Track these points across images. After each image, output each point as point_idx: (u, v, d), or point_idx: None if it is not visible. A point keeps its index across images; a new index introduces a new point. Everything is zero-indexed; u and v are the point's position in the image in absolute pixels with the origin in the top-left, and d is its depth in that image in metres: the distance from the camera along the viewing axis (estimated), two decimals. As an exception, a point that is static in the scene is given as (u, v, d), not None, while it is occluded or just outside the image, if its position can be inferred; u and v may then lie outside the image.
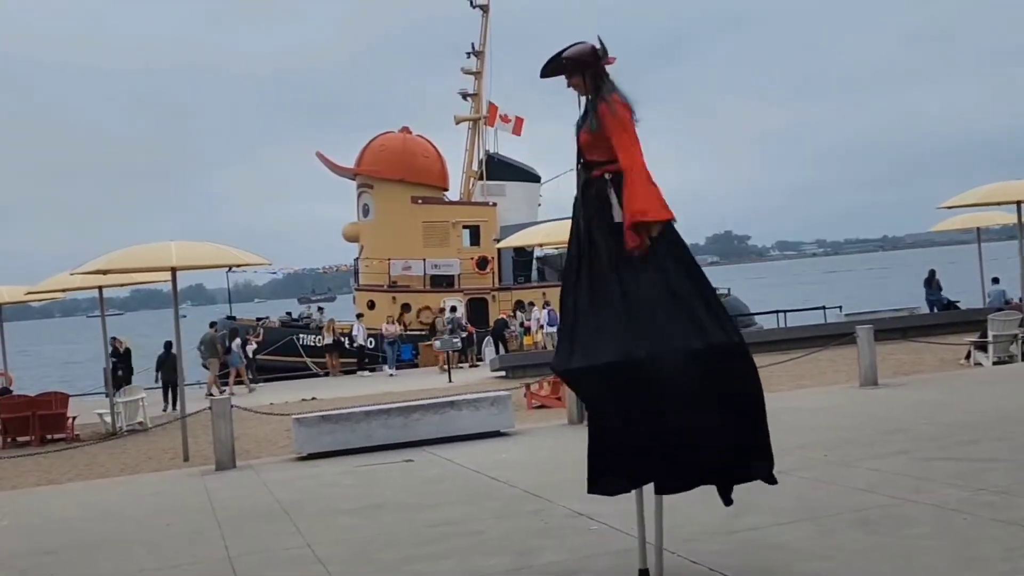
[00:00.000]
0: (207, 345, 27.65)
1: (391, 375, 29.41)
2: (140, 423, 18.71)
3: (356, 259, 39.26)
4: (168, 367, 23.08)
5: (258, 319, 37.08)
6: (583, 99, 5.52)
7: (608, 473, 5.43)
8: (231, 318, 37.00)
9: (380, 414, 11.71)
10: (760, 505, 6.50)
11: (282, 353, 33.94)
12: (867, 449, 8.94)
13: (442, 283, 37.49)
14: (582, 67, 5.39)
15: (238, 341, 28.96)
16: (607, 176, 5.34)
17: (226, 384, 27.47)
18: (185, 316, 20.77)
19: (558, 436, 11.87)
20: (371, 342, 33.10)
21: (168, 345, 23.22)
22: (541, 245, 19.60)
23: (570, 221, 5.65)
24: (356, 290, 38.77)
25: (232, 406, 11.44)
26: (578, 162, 5.57)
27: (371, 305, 36.99)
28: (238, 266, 15.97)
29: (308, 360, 34.22)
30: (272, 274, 40.32)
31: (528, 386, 18.30)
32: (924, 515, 6.39)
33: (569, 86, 5.50)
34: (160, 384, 24.19)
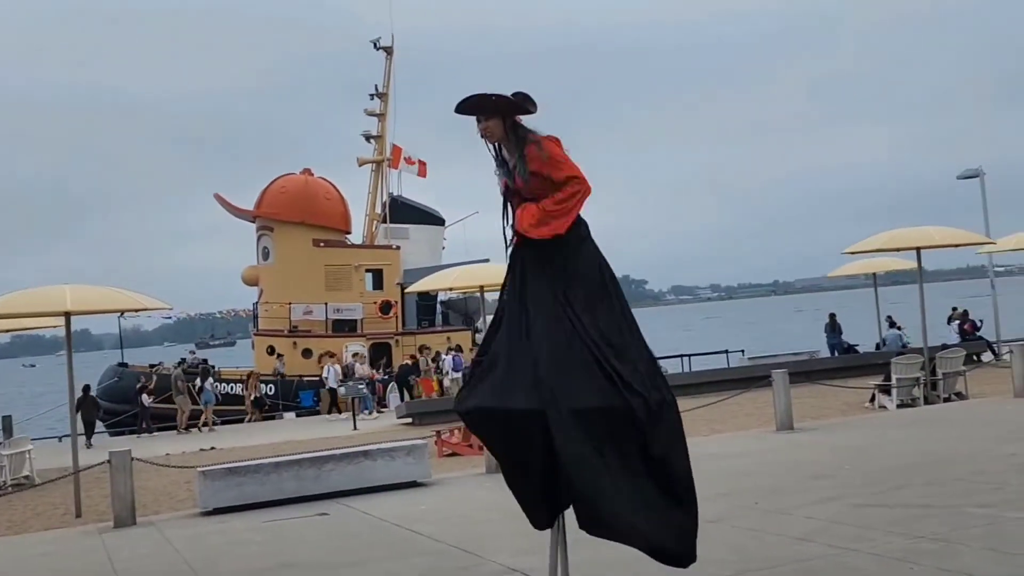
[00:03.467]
0: (173, 384, 28.70)
1: (376, 416, 28.16)
2: (26, 477, 17.61)
3: (255, 303, 38.32)
4: (88, 407, 24.51)
5: (151, 365, 35.78)
6: (491, 146, 5.29)
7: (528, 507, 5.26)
8: (123, 365, 35.66)
9: (291, 465, 11.16)
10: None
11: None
12: (797, 496, 8.80)
13: (344, 328, 36.82)
14: (505, 110, 5.15)
15: (210, 380, 29.46)
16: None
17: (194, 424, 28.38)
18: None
19: (477, 486, 11.49)
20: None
21: (86, 388, 25.10)
22: (452, 289, 19.29)
23: (497, 265, 5.48)
24: (256, 335, 37.83)
25: (132, 458, 10.75)
26: (505, 211, 5.35)
27: (271, 351, 36.08)
28: (135, 311, 15.26)
29: (203, 408, 33.03)
30: (165, 319, 38.89)
31: (439, 433, 17.85)
32: (869, 565, 6.22)
33: (480, 129, 5.22)
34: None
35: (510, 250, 5.27)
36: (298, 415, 31.40)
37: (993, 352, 26.51)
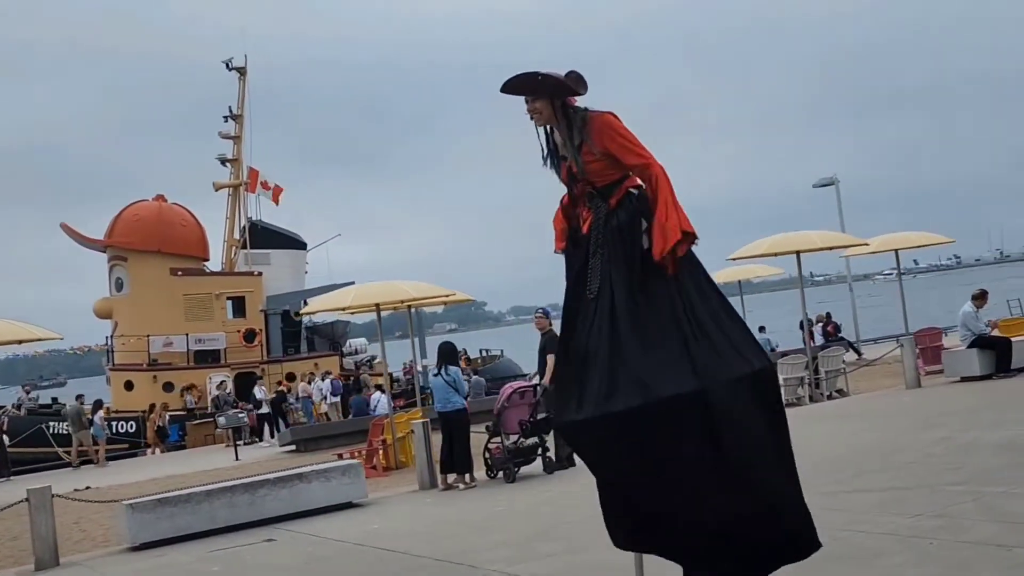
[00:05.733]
0: (72, 418, 27.98)
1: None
2: None
3: (109, 337, 36.48)
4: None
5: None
6: (541, 129, 5.08)
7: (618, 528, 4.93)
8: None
9: (223, 492, 10.57)
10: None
11: (30, 444, 30.71)
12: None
13: (207, 358, 35.42)
14: (555, 91, 4.84)
15: (100, 413, 28.48)
16: (633, 191, 4.90)
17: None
18: None
19: (419, 503, 11.20)
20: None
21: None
22: (345, 308, 18.79)
23: (565, 261, 5.17)
24: (111, 370, 35.96)
25: (53, 495, 9.96)
26: (573, 198, 5.10)
27: (129, 386, 34.40)
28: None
29: (60, 450, 31.14)
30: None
31: (340, 456, 17.34)
32: (889, 545, 6.29)
33: (528, 110, 4.98)
34: None
35: (589, 246, 4.90)
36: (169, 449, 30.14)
37: (856, 352, 27.76)
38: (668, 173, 4.74)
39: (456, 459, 11.89)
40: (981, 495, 7.35)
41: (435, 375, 12.23)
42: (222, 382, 33.21)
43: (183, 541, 10.15)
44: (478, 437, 12.34)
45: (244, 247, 37.95)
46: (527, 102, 4.92)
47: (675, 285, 4.71)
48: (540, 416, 11.77)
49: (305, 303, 38.46)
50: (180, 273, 35.62)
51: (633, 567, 5.10)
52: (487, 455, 12.12)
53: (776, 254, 20.49)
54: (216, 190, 38.95)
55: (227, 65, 38.62)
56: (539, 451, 11.89)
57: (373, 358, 40.77)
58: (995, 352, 15.68)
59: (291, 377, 33.98)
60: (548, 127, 4.99)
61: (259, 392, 29.26)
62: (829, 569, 5.88)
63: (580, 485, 10.45)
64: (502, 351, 39.22)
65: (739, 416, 4.58)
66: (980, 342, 15.83)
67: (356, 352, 39.30)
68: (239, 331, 35.89)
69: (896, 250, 22.39)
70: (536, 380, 12.99)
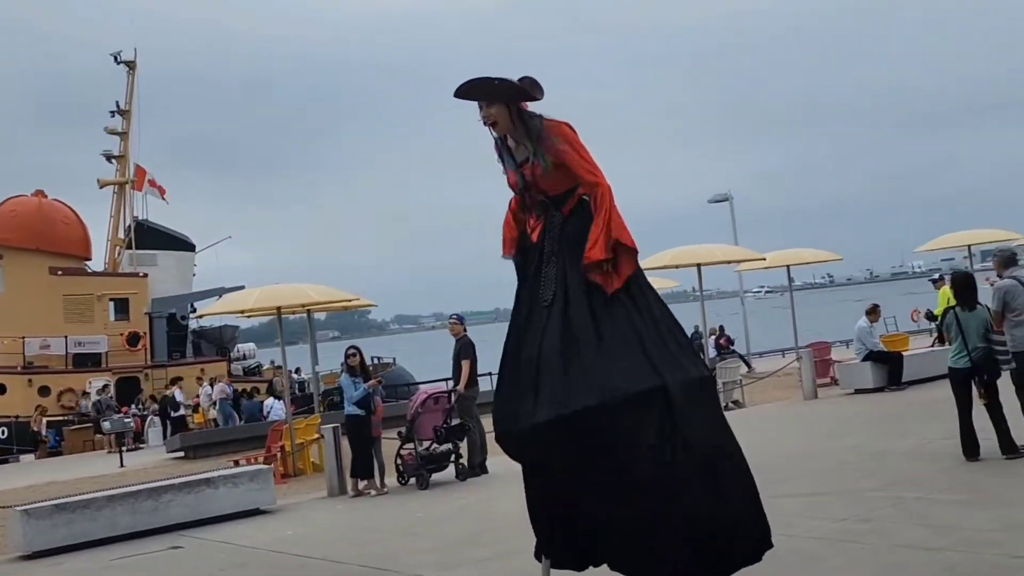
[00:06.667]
0: None
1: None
2: None
3: (-19, 338, 34.75)
4: None
5: None
6: (495, 135, 5.00)
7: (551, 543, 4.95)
8: None
9: (126, 498, 10.10)
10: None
11: None
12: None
13: (87, 362, 34.05)
14: (511, 96, 4.82)
15: None
16: (586, 199, 4.88)
17: None
18: None
19: (330, 509, 10.91)
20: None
21: None
22: (242, 312, 18.24)
23: (515, 269, 5.12)
24: (-17, 373, 34.22)
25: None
26: (526, 204, 5.05)
27: (1, 389, 32.79)
28: None
29: None
30: None
31: (237, 462, 16.83)
32: (822, 549, 6.37)
33: (483, 116, 4.90)
34: None
35: (539, 252, 4.91)
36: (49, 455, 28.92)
37: (746, 364, 28.36)
38: (614, 192, 4.80)
39: (357, 464, 11.65)
40: (902, 500, 7.52)
41: (353, 380, 11.87)
42: (105, 386, 31.98)
43: (82, 549, 9.67)
44: (389, 444, 12.12)
45: (129, 247, 36.70)
46: (481, 108, 4.87)
47: (625, 294, 4.74)
48: (454, 422, 11.62)
49: (192, 306, 37.68)
50: (60, 272, 34.20)
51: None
52: (399, 461, 11.89)
53: (678, 266, 20.80)
54: (101, 187, 37.61)
55: (115, 58, 37.38)
56: (452, 457, 11.73)
57: (260, 365, 39.93)
58: (887, 366, 16.19)
59: (176, 382, 32.95)
60: (502, 134, 4.94)
61: (179, 395, 28.27)
62: (769, 572, 5.92)
63: (498, 492, 10.38)
64: (394, 359, 38.84)
65: (697, 416, 4.63)
66: (874, 356, 16.32)
67: (244, 357, 38.42)
68: (122, 334, 34.65)
69: (788, 266, 23.00)
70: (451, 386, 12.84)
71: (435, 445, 11.58)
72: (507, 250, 5.22)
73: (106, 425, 24.78)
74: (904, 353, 17.14)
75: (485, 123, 4.91)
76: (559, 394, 4.54)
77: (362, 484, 11.58)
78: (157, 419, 27.99)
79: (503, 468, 11.64)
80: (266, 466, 11.34)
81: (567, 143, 4.83)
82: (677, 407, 4.52)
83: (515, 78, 4.87)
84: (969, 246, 21.56)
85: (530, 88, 4.87)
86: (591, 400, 4.46)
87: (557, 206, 4.92)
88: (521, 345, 4.84)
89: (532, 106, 4.96)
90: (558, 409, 4.51)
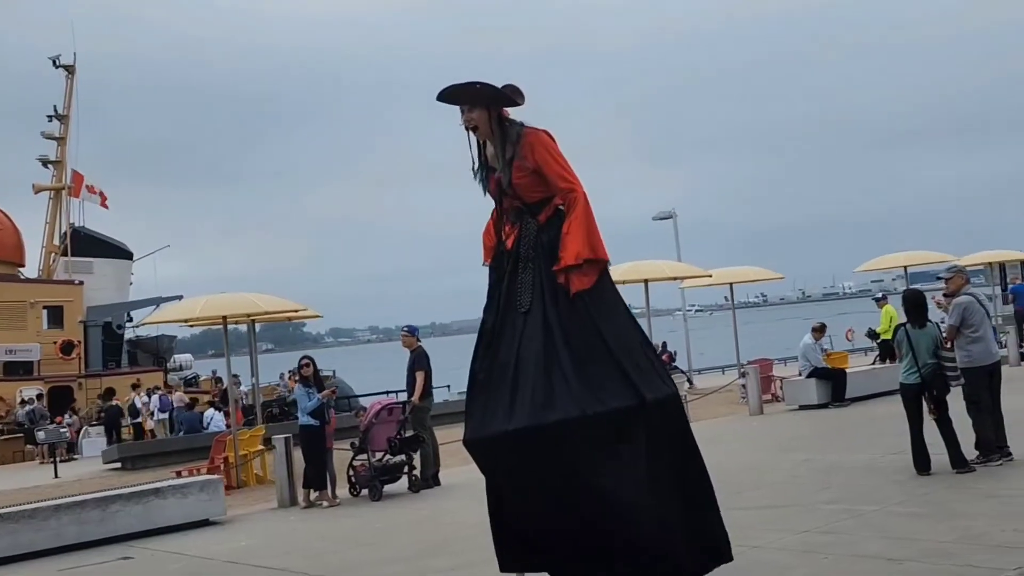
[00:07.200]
0: None
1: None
2: None
3: (-93, 345, 33.76)
4: None
5: None
6: (475, 139, 5.05)
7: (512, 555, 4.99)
8: None
9: (72, 507, 9.86)
10: None
11: None
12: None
13: (19, 371, 33.26)
14: (493, 101, 4.89)
15: None
16: (561, 207, 4.93)
17: None
18: None
19: (283, 520, 10.76)
20: None
21: None
22: (187, 321, 17.95)
23: (489, 275, 5.14)
24: (-91, 381, 33.25)
25: None
26: (502, 210, 5.07)
27: (-72, 397, 31.89)
28: None
29: None
30: None
31: (179, 473, 16.52)
32: (786, 559, 6.44)
33: (464, 120, 4.97)
34: None
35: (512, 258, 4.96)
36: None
37: (688, 381, 28.62)
38: (590, 201, 4.87)
39: (310, 475, 11.52)
40: (859, 513, 7.63)
41: (307, 390, 11.71)
42: (40, 395, 31.21)
43: (26, 560, 9.44)
44: (341, 455, 12.01)
45: (65, 254, 35.96)
46: (463, 112, 4.93)
47: (598, 305, 4.84)
48: (408, 433, 11.55)
49: (129, 316, 36.98)
50: (-9, 278, 33.43)
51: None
52: (351, 472, 11.77)
53: (625, 282, 20.96)
54: (36, 193, 36.80)
55: (54, 62, 36.64)
56: (405, 469, 11.65)
57: (197, 375, 39.30)
58: (831, 383, 16.46)
59: (111, 392, 32.28)
60: (481, 140, 5.00)
61: (139, 401, 27.59)
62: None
63: (453, 503, 10.35)
64: (334, 371, 38.42)
65: (669, 431, 4.79)
66: (818, 372, 16.58)
67: (181, 368, 37.80)
68: (55, 342, 33.91)
69: (731, 284, 23.31)
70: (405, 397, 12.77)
71: (388, 456, 11.49)
72: (487, 257, 5.25)
73: (40, 435, 24.19)
74: (847, 370, 17.43)
75: (466, 127, 4.96)
76: (539, 400, 4.57)
77: (314, 495, 11.44)
78: (93, 430, 27.30)
79: (456, 480, 11.63)
80: (216, 476, 11.14)
81: (545, 151, 4.89)
82: (652, 425, 4.63)
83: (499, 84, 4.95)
84: (906, 267, 22.11)
85: (511, 94, 4.92)
86: (572, 412, 4.52)
87: (533, 213, 4.97)
88: (496, 349, 4.87)
89: (514, 113, 5.04)
90: (536, 418, 4.54)
